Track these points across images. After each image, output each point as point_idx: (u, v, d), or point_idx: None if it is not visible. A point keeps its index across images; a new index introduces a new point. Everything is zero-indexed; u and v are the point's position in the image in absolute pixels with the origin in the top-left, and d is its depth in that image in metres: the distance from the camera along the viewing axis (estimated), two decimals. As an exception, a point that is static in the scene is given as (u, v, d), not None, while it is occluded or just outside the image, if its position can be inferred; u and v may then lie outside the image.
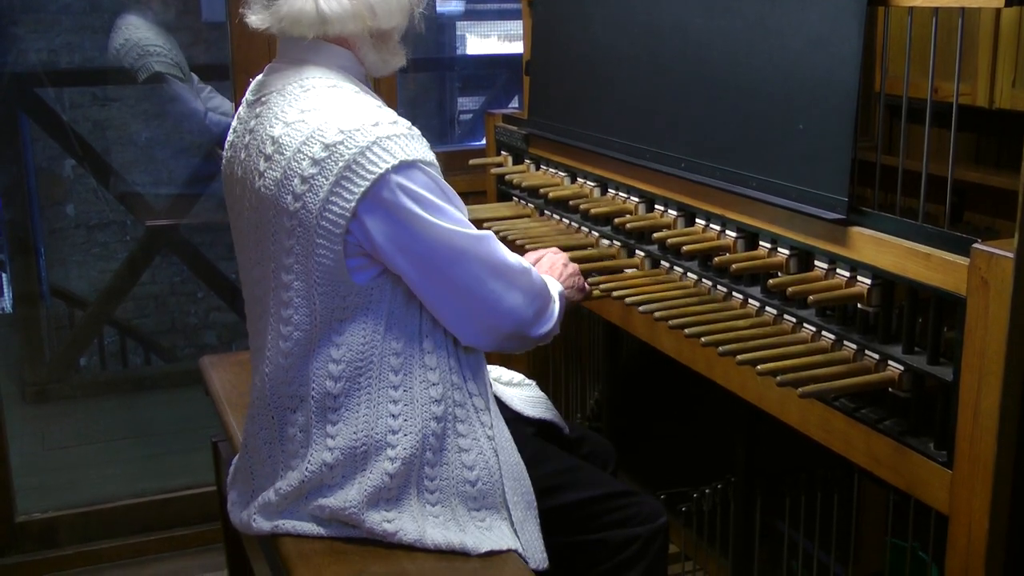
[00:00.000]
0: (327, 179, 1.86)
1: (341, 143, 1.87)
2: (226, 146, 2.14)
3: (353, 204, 1.87)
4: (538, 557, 2.09)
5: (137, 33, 4.46)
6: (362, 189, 1.86)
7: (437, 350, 2.04)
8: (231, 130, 2.13)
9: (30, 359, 5.07)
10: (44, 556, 3.68)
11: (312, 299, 1.95)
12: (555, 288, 2.22)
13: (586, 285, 2.44)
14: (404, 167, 1.88)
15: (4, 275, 5.49)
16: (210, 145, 4.76)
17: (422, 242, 1.91)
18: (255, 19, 2.03)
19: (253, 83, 2.13)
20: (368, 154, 1.86)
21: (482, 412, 2.10)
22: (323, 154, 1.87)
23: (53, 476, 4.25)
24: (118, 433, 4.78)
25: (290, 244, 1.93)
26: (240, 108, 2.13)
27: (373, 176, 1.86)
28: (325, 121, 1.90)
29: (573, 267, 2.41)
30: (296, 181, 1.89)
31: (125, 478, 4.21)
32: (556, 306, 2.17)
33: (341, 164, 1.86)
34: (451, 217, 1.94)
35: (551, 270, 2.35)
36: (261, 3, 2.01)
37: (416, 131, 1.96)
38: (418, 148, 1.92)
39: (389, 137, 1.88)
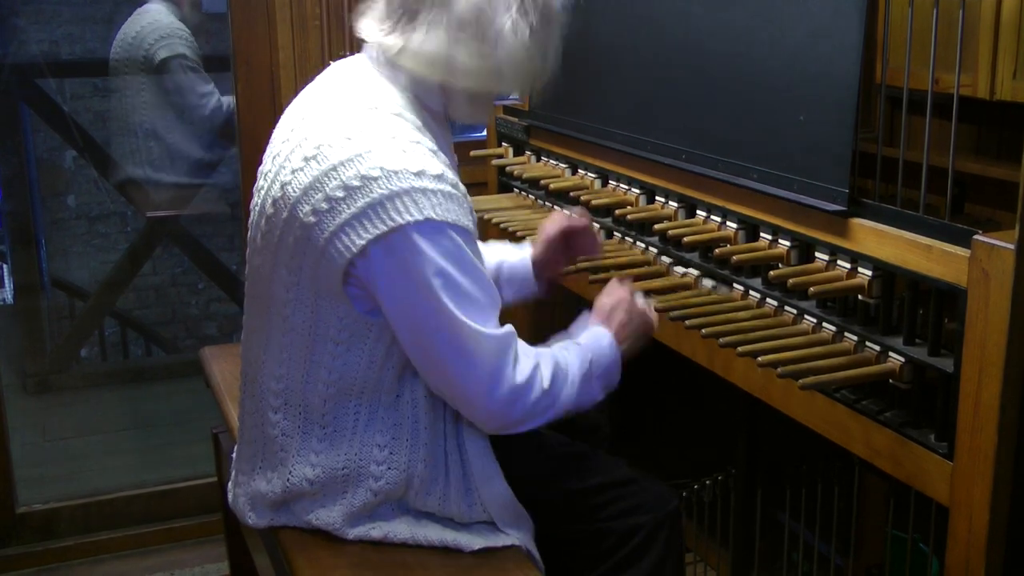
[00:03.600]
0: (349, 208, 1.80)
1: (376, 180, 1.80)
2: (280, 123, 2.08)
3: (364, 243, 1.80)
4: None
5: (164, 18, 4.64)
6: (379, 232, 1.79)
7: (434, 395, 2.00)
8: (283, 121, 2.07)
9: (31, 350, 5.08)
10: (44, 547, 3.68)
11: (313, 310, 1.92)
12: (580, 362, 2.05)
13: (655, 323, 2.24)
14: (430, 226, 1.80)
15: (5, 266, 5.51)
16: (214, 133, 4.76)
17: (418, 308, 1.84)
18: (375, 31, 1.96)
19: (324, 71, 2.08)
20: (398, 201, 1.79)
21: (478, 457, 2.05)
22: (356, 183, 1.81)
23: (54, 467, 4.27)
24: (119, 424, 4.79)
25: (297, 249, 1.89)
26: (291, 107, 2.07)
27: (395, 224, 1.79)
28: (370, 151, 1.83)
29: (639, 311, 2.20)
30: (319, 197, 1.83)
31: (126, 469, 4.22)
32: (564, 397, 2.01)
33: (368, 199, 1.80)
34: (460, 296, 1.85)
35: (609, 319, 2.16)
36: (393, 20, 1.94)
37: (461, 190, 1.88)
38: (453, 210, 1.83)
39: (426, 191, 1.80)
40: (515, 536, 2.07)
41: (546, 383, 1.97)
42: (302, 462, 2.00)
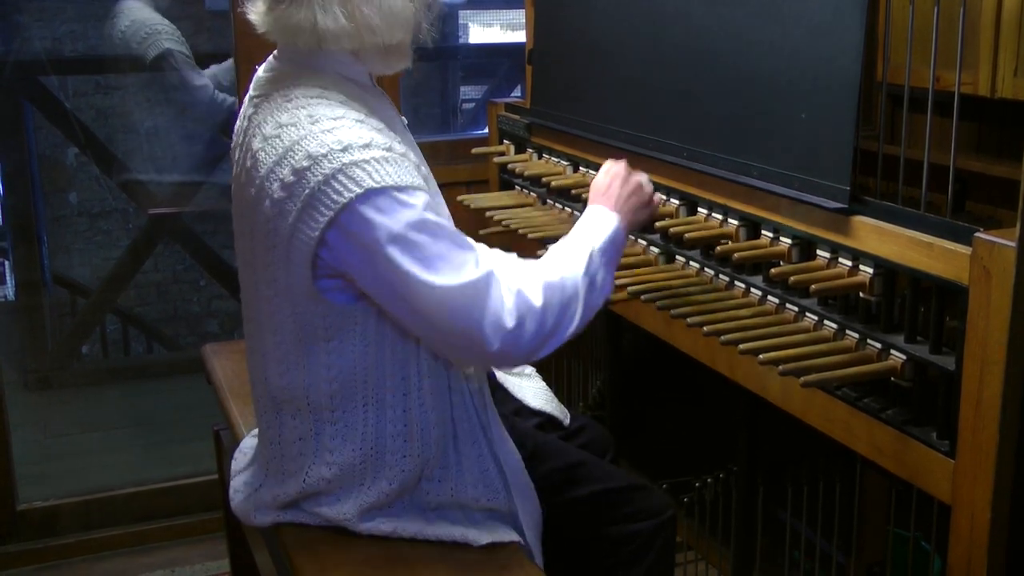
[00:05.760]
0: (295, 205, 1.81)
1: (308, 169, 1.79)
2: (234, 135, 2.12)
3: (318, 233, 1.80)
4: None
5: (141, 14, 4.48)
6: (327, 219, 1.78)
7: (435, 372, 1.99)
8: (238, 118, 2.10)
9: (32, 347, 5.08)
10: (45, 544, 3.68)
11: (295, 313, 1.92)
12: (578, 263, 2.01)
13: (656, 197, 2.24)
14: (371, 195, 1.78)
15: (7, 263, 5.51)
16: (216, 130, 4.76)
17: (387, 278, 1.82)
18: (255, 18, 1.96)
19: (255, 75, 2.08)
20: (333, 183, 1.78)
21: (487, 428, 2.06)
22: (292, 178, 1.81)
23: (54, 464, 4.26)
24: (120, 421, 4.79)
25: (269, 259, 1.89)
26: (244, 101, 2.09)
27: (337, 206, 1.78)
28: (297, 142, 1.82)
29: (633, 182, 2.19)
30: (267, 203, 1.85)
31: (126, 466, 4.22)
32: (586, 295, 2.00)
33: (307, 192, 1.79)
34: (422, 255, 1.80)
35: (607, 195, 2.15)
36: (265, 2, 1.94)
37: (394, 151, 1.84)
38: (391, 172, 1.80)
39: (357, 163, 1.78)
40: (525, 521, 2.07)
41: (538, 301, 1.90)
42: (318, 463, 2.00)
